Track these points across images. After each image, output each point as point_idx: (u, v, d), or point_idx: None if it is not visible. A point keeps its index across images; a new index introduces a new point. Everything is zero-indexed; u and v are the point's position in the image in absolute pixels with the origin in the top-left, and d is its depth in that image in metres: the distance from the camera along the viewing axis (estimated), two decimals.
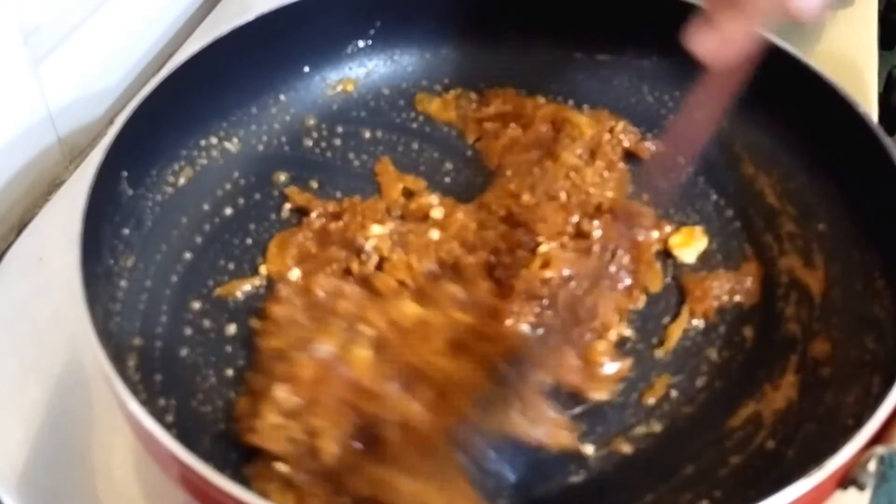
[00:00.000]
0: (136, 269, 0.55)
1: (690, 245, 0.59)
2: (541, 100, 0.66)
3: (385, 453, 0.48)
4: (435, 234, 0.58)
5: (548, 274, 0.56)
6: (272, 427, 0.48)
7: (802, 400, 0.51)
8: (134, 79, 0.73)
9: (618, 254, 0.57)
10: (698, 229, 0.60)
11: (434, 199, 0.61)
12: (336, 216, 0.59)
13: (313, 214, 0.59)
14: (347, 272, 0.56)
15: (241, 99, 0.63)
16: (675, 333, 0.55)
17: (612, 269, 0.57)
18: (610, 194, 0.61)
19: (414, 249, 0.57)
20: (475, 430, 0.48)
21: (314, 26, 0.64)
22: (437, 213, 0.60)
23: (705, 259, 0.59)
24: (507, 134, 0.65)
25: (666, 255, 0.59)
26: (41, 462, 0.50)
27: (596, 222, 0.58)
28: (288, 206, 0.61)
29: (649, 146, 0.64)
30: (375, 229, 0.58)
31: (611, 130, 0.64)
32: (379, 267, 0.56)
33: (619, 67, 0.68)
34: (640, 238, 0.59)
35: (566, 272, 0.56)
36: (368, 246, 0.57)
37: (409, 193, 0.62)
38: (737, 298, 0.57)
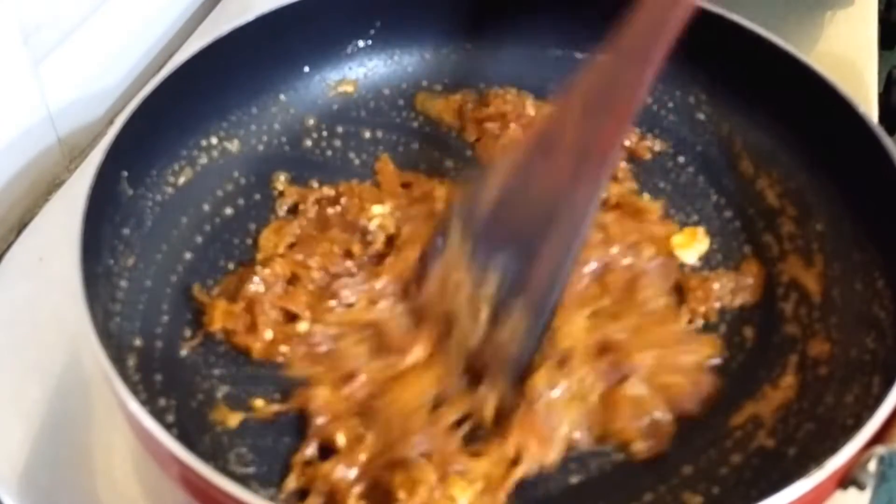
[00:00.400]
0: (136, 269, 0.54)
1: (692, 246, 0.59)
2: (541, 100, 0.66)
3: None
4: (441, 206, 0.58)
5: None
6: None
7: (802, 400, 0.51)
8: (134, 79, 0.73)
9: (641, 246, 0.57)
10: (700, 230, 0.60)
11: (435, 184, 0.61)
12: (333, 201, 0.59)
13: (309, 200, 0.59)
14: (348, 255, 0.56)
15: (241, 99, 0.63)
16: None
17: (641, 262, 0.57)
18: (615, 189, 0.61)
19: (423, 221, 0.57)
20: None
21: (314, 26, 0.64)
22: (440, 191, 0.60)
23: (705, 259, 0.59)
24: (507, 134, 0.64)
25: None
26: (41, 462, 0.50)
27: (609, 215, 0.58)
28: (286, 204, 0.60)
29: (649, 145, 0.65)
30: (376, 209, 0.58)
31: None
32: (389, 244, 0.56)
33: None
34: (654, 231, 0.59)
35: (594, 264, 0.56)
36: (372, 226, 0.57)
37: (407, 185, 0.62)
38: (737, 298, 0.57)
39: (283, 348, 0.53)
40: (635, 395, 0.51)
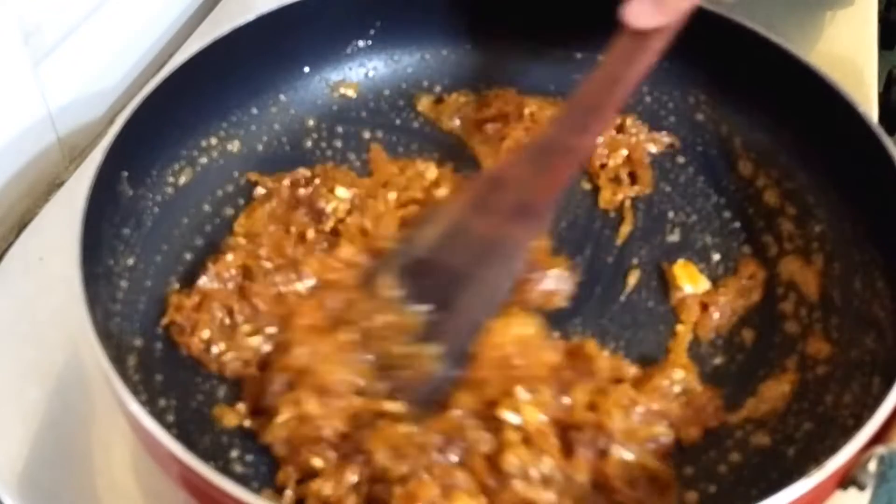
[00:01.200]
0: (136, 269, 0.55)
1: (692, 283, 0.57)
2: (542, 101, 0.66)
3: None
4: (392, 195, 0.59)
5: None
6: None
7: (802, 400, 0.51)
8: (134, 79, 0.73)
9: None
10: (703, 277, 0.58)
11: (431, 165, 0.62)
12: (306, 182, 0.59)
13: (285, 182, 0.59)
14: (301, 239, 0.56)
15: (241, 99, 0.63)
16: (681, 349, 0.54)
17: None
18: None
19: (371, 213, 0.57)
20: None
21: (314, 26, 0.64)
22: (430, 173, 0.61)
23: (705, 258, 0.59)
24: (508, 135, 0.64)
25: (664, 280, 0.58)
26: (41, 462, 0.50)
27: None
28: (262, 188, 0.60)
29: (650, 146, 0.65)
30: (340, 192, 0.58)
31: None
32: (334, 232, 0.57)
33: None
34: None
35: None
36: (329, 208, 0.57)
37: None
38: (734, 317, 0.56)
39: (218, 349, 0.52)
40: (623, 462, 0.47)
